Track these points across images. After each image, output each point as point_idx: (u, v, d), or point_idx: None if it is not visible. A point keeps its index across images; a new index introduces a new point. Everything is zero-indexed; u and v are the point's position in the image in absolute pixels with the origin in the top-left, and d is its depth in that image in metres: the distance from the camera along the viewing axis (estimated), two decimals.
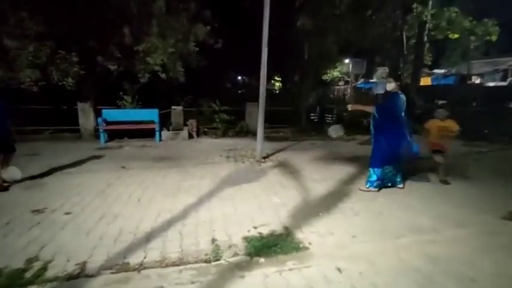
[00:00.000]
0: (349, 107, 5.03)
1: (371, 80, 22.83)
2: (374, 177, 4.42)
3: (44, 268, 2.42)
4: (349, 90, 20.16)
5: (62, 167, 5.46)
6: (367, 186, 4.44)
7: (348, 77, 20.68)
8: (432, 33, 11.59)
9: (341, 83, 24.12)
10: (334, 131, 5.46)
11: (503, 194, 4.40)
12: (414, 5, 10.80)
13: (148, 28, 8.42)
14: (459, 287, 2.29)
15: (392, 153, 4.36)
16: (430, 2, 10.83)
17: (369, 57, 19.68)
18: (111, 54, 8.47)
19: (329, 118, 11.91)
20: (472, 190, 4.58)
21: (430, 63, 18.95)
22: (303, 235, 3.06)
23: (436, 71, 21.14)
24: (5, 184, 4.34)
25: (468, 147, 7.86)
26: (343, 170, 5.55)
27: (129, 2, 8.21)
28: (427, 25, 11.24)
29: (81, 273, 2.37)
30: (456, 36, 12.00)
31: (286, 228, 3.21)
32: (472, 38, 13.75)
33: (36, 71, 7.63)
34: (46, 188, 4.42)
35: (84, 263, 2.50)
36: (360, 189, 4.47)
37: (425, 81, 19.78)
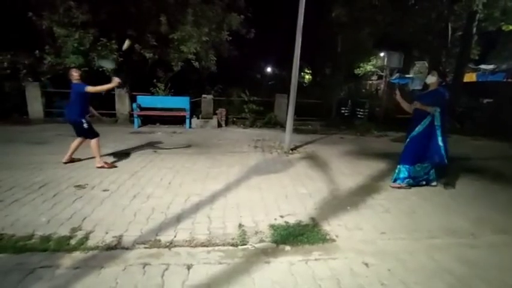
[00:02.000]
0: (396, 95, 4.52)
1: (407, 75, 21.63)
2: (404, 174, 4.25)
3: (86, 237, 2.63)
4: (382, 85, 19.29)
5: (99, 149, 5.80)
6: (397, 182, 4.28)
7: (382, 72, 19.76)
8: (483, 24, 10.66)
9: (374, 77, 23.12)
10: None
11: None
12: None
13: (183, 17, 8.59)
14: None
15: (423, 152, 4.14)
16: None
17: (407, 51, 18.59)
18: (147, 42, 8.77)
19: (360, 113, 11.52)
20: None
21: (476, 57, 17.50)
22: (330, 227, 3.03)
23: (483, 66, 19.48)
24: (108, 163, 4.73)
25: None
26: (373, 166, 5.38)
27: None
28: (478, 15, 10.32)
29: (118, 245, 2.54)
30: (511, 27, 10.96)
31: (312, 219, 3.19)
32: None
33: (80, 57, 8.12)
34: (86, 166, 4.75)
35: (121, 236, 2.67)
36: (390, 185, 4.31)
37: (469, 77, 18.31)
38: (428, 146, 4.12)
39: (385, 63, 18.40)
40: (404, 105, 4.43)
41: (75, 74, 4.53)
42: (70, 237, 2.61)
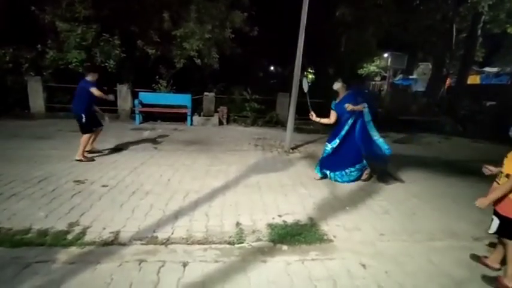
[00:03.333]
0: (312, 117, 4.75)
1: (410, 77, 21.51)
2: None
3: (83, 233, 2.62)
4: (385, 86, 19.18)
5: (100, 144, 5.80)
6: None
7: (386, 72, 19.64)
8: (488, 26, 10.58)
9: (377, 78, 22.98)
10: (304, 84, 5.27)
11: None
12: None
13: (186, 13, 8.55)
14: None
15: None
16: None
17: (411, 52, 18.47)
18: (150, 38, 8.74)
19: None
20: None
21: (481, 60, 17.38)
22: (328, 227, 3.01)
23: (487, 69, 19.35)
24: (88, 156, 4.88)
25: None
26: (373, 167, 5.34)
27: None
28: (483, 17, 10.24)
29: (115, 241, 2.54)
30: None
31: (311, 219, 3.17)
32: None
33: (82, 52, 8.10)
34: (88, 163, 4.74)
35: (118, 232, 2.67)
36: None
37: (473, 79, 18.23)
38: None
39: (389, 64, 18.35)
40: (324, 120, 4.72)
41: (93, 75, 4.77)
42: (67, 232, 2.61)
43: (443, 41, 12.96)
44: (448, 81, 15.14)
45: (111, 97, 4.94)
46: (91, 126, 4.84)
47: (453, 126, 10.08)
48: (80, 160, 4.70)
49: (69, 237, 2.55)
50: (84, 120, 4.69)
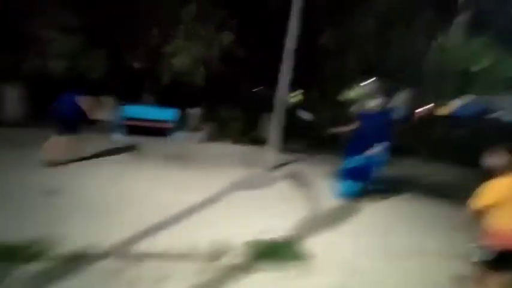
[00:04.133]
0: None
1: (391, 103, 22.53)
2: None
3: (49, 246, 2.47)
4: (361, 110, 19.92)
5: (79, 154, 5.61)
6: None
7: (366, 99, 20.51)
8: (455, 62, 11.45)
9: (359, 104, 23.90)
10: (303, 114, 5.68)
11: None
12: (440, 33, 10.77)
13: (175, 32, 8.72)
14: None
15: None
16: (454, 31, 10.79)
17: (392, 79, 19.48)
18: (137, 53, 8.79)
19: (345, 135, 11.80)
20: None
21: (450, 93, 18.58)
22: (308, 245, 3.01)
23: (459, 101, 20.66)
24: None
25: None
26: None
27: (161, 6, 8.58)
28: (450, 54, 11.13)
29: (86, 256, 2.41)
30: (480, 67, 11.83)
31: (290, 236, 3.17)
32: (498, 70, 13.48)
33: (64, 61, 7.99)
34: (63, 172, 4.55)
35: (89, 246, 2.54)
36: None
37: (446, 110, 19.33)
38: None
39: (371, 90, 19.21)
40: (344, 129, 4.99)
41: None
42: (31, 246, 2.45)
43: (417, 72, 13.82)
44: (422, 110, 16.01)
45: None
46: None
47: (426, 152, 10.59)
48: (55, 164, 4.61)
49: (34, 251, 2.39)
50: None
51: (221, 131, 9.88)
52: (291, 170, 6.48)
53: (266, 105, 11.09)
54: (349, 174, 4.53)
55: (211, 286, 2.22)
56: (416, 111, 15.45)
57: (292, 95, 22.36)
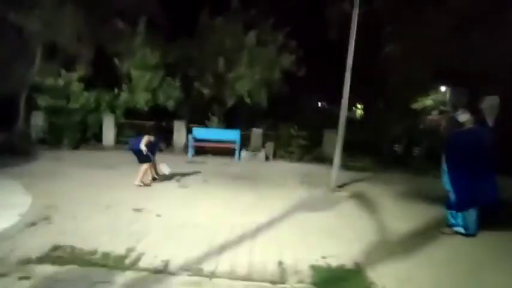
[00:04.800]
0: None
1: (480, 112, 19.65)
2: (453, 221, 3.98)
3: (138, 258, 2.88)
4: (443, 121, 17.80)
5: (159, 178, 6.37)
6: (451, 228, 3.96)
7: (445, 106, 18.35)
8: None
9: (435, 112, 21.53)
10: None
11: None
12: None
13: (239, 58, 9.40)
14: None
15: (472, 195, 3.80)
16: None
17: (473, 85, 17.12)
18: (206, 80, 9.72)
19: (417, 151, 10.71)
20: None
21: None
22: (376, 275, 2.82)
23: None
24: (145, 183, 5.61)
25: None
26: (427, 209, 4.93)
27: (225, 36, 9.41)
28: None
29: (165, 270, 2.72)
30: None
31: (357, 264, 3.02)
32: None
33: (148, 93, 9.32)
34: (145, 191, 5.24)
35: (168, 261, 2.86)
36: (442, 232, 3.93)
37: None
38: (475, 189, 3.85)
39: (448, 98, 17.18)
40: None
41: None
42: (125, 257, 2.89)
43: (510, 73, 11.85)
44: None
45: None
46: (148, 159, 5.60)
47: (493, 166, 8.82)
48: (139, 185, 5.41)
49: (127, 261, 2.82)
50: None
51: (283, 149, 10.01)
52: (357, 189, 6.16)
53: (329, 122, 10.90)
54: (465, 204, 3.97)
55: None
56: None
57: (354, 109, 21.45)
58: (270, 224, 4.00)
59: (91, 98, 9.61)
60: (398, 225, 4.18)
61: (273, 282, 2.62)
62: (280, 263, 2.96)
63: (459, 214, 3.94)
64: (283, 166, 8.71)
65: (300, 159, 9.60)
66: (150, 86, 9.23)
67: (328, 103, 20.19)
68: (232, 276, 2.69)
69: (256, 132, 9.82)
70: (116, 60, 9.34)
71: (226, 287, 2.53)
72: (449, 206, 4.08)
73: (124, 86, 9.61)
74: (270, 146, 9.69)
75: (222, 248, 3.22)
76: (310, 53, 11.04)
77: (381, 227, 4.11)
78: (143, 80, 9.17)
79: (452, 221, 4.00)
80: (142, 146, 5.44)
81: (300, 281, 2.66)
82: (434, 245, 3.60)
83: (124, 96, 9.50)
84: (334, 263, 3.02)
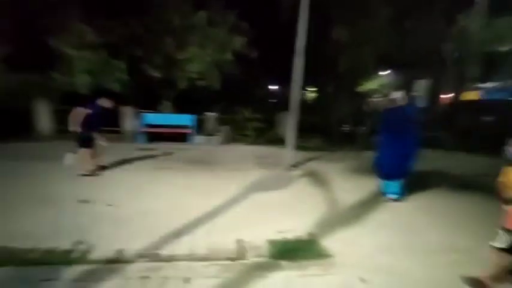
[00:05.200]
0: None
1: (410, 93, 21.86)
2: (387, 189, 4.50)
3: (88, 251, 2.70)
4: (384, 103, 19.47)
5: (105, 165, 5.94)
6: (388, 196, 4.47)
7: (385, 90, 20.02)
8: (479, 45, 10.96)
9: (377, 95, 23.37)
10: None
11: None
12: (460, 16, 10.34)
13: (189, 38, 8.98)
14: None
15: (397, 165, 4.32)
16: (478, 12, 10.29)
17: (409, 70, 18.90)
18: (154, 62, 9.14)
19: (362, 130, 11.61)
20: None
21: (477, 76, 17.73)
22: (328, 243, 3.05)
23: (486, 85, 19.65)
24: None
25: None
26: (371, 181, 5.39)
27: (174, 14, 8.86)
28: (473, 37, 10.64)
29: (119, 259, 2.60)
30: (506, 49, 11.24)
31: (311, 234, 3.23)
32: None
33: (89, 76, 8.47)
34: (91, 182, 4.86)
35: (122, 250, 2.74)
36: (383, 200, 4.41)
37: (474, 95, 18.46)
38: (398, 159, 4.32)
39: (388, 82, 18.76)
40: None
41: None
42: (72, 251, 2.68)
43: (439, 59, 13.31)
44: (447, 97, 15.39)
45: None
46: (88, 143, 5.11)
47: (452, 141, 10.16)
48: (83, 175, 4.97)
49: (74, 255, 2.62)
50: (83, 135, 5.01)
51: (238, 133, 10.04)
52: (310, 168, 6.50)
53: (282, 104, 11.16)
54: (387, 172, 4.47)
55: (236, 283, 2.33)
56: (442, 97, 14.89)
57: (306, 92, 22.22)
58: (227, 205, 4.04)
59: (14, 80, 8.42)
60: (346, 196, 4.54)
61: (232, 259, 2.68)
62: (238, 241, 3.02)
63: (391, 182, 4.42)
64: (239, 149, 8.76)
65: (255, 142, 9.73)
66: (91, 67, 8.37)
67: (282, 86, 20.59)
68: (191, 257, 2.68)
69: (211, 116, 9.65)
70: (49, 39, 8.22)
71: (186, 268, 2.51)
72: (380, 175, 4.59)
73: (59, 68, 8.57)
74: (225, 129, 9.63)
75: (180, 232, 3.17)
76: (263, 35, 11.02)
77: (331, 199, 4.42)
78: (82, 61, 8.27)
79: (387, 189, 4.49)
80: (72, 124, 4.87)
81: (258, 256, 2.76)
82: (377, 212, 3.99)
83: (59, 79, 8.49)
84: (290, 235, 3.18)
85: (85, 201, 3.93)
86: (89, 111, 5.01)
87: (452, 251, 3.02)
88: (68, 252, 2.67)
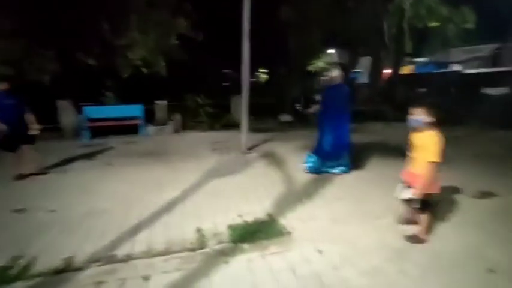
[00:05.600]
0: None
1: (355, 70, 23.16)
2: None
3: (29, 264, 2.44)
4: (326, 82, 20.40)
5: (45, 167, 5.36)
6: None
7: (332, 67, 20.94)
8: (412, 21, 11.87)
9: (327, 73, 24.37)
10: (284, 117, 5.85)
11: (473, 174, 4.67)
12: None
13: (128, 23, 8.25)
14: (429, 260, 2.46)
15: (333, 143, 4.61)
16: None
17: (353, 48, 19.89)
18: (90, 49, 8.27)
19: (314, 108, 12.06)
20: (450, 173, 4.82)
21: (410, 51, 19.34)
22: (286, 221, 3.17)
23: (418, 59, 21.59)
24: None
25: (446, 132, 8.15)
26: None
27: None
28: (406, 13, 11.47)
29: (68, 268, 2.41)
30: (435, 24, 12.35)
31: (269, 215, 3.32)
32: (451, 26, 14.13)
33: (8, 67, 7.38)
34: (29, 187, 4.36)
35: (71, 258, 2.53)
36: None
37: (409, 69, 20.21)
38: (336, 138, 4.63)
39: (334, 59, 19.59)
40: (314, 109, 5.15)
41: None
42: (10, 267, 2.41)
43: (378, 36, 14.18)
44: (388, 72, 16.61)
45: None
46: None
47: (393, 113, 11.09)
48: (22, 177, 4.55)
49: (13, 271, 2.36)
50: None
51: (192, 120, 9.74)
52: (265, 149, 6.60)
53: (235, 88, 11.02)
54: (320, 149, 4.72)
55: (197, 274, 2.32)
56: (384, 72, 16.02)
57: (259, 74, 22.22)
58: (185, 195, 3.95)
59: None
60: (300, 175, 4.73)
61: (192, 250, 2.65)
62: (198, 230, 3.00)
63: (340, 157, 4.70)
64: (194, 137, 8.53)
65: (210, 128, 9.55)
66: (10, 57, 7.27)
67: (233, 70, 20.27)
68: (149, 254, 2.59)
69: (161, 105, 9.18)
70: None
71: (145, 266, 2.43)
72: (319, 154, 4.78)
73: None
74: (177, 118, 9.26)
75: (136, 230, 3.03)
76: (208, 18, 10.59)
77: (287, 179, 4.57)
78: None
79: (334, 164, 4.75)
80: None
81: (219, 242, 2.77)
82: (329, 186, 4.23)
83: None
84: (249, 218, 3.24)
85: (21, 211, 3.52)
86: None
87: (393, 214, 3.34)
88: (5, 269, 2.39)
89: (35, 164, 4.81)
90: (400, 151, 6.09)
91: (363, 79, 20.33)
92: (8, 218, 3.35)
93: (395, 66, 14.34)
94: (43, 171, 4.79)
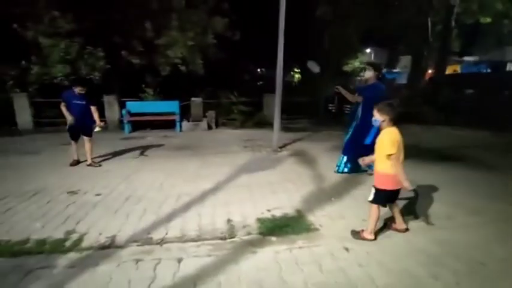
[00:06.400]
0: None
1: (394, 70, 22.08)
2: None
3: (80, 239, 2.74)
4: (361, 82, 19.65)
5: (95, 157, 5.86)
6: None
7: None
8: (461, 17, 11.06)
9: (363, 73, 23.52)
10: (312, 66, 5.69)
11: None
12: None
13: (168, 22, 8.70)
14: (467, 269, 2.34)
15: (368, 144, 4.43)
16: None
17: (392, 46, 18.98)
18: (133, 48, 8.86)
19: (347, 109, 11.75)
20: (494, 180, 4.49)
21: (457, 50, 17.99)
22: (314, 218, 3.19)
23: (467, 58, 20.01)
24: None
25: (495, 138, 7.54)
26: None
27: None
28: (455, 9, 10.69)
29: (111, 245, 2.66)
30: (488, 20, 11.38)
31: (298, 211, 3.36)
32: (506, 21, 12.92)
33: (66, 66, 8.16)
34: (79, 173, 4.83)
35: (114, 236, 2.80)
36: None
37: (454, 69, 18.84)
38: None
39: (372, 59, 18.85)
40: (348, 96, 4.82)
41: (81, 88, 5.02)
42: (65, 240, 2.73)
43: (421, 33, 13.41)
44: (429, 72, 15.64)
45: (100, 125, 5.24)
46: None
47: (435, 116, 10.45)
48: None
49: (67, 244, 2.66)
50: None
51: (225, 117, 10.01)
52: (296, 148, 6.61)
53: (268, 87, 11.11)
54: (349, 149, 4.64)
55: (227, 260, 2.44)
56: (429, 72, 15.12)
57: (293, 73, 22.08)
58: (216, 188, 4.12)
59: None
60: (331, 174, 4.70)
61: (223, 239, 2.78)
62: (228, 221, 3.13)
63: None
64: (226, 133, 8.78)
65: (242, 126, 9.75)
66: (68, 56, 8.05)
67: (267, 68, 20.39)
68: (183, 239, 2.77)
69: (196, 102, 9.55)
70: (22, 29, 7.80)
71: (178, 249, 2.60)
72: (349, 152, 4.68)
73: (34, 58, 8.21)
74: (211, 114, 9.58)
75: (170, 216, 3.24)
76: (244, 17, 10.79)
77: (317, 177, 4.56)
78: (57, 49, 7.93)
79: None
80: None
81: (248, 233, 2.87)
82: (360, 187, 4.15)
83: (35, 70, 8.16)
84: (278, 213, 3.30)
85: (73, 192, 3.93)
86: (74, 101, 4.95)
87: (437, 217, 3.20)
88: (61, 241, 2.71)
89: (90, 154, 5.24)
90: (434, 155, 5.81)
91: (403, 79, 19.34)
92: (64, 197, 3.76)
93: (440, 66, 13.46)
94: (96, 164, 5.22)
